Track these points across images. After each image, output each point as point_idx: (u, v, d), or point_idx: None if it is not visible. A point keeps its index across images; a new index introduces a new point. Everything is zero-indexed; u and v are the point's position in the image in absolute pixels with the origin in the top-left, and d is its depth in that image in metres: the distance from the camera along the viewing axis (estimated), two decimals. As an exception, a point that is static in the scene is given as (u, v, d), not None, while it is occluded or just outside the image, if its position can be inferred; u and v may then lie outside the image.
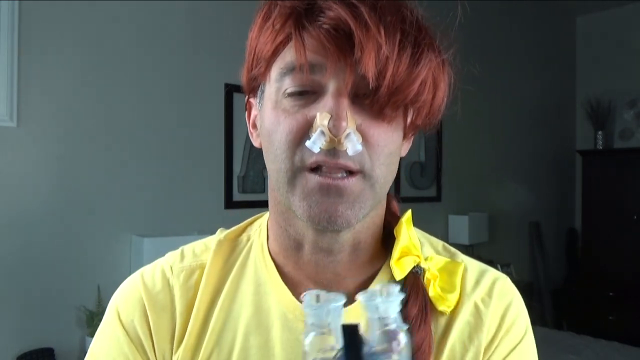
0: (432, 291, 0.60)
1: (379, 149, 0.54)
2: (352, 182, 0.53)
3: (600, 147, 4.31)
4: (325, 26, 0.51)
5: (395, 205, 0.68)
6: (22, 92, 2.06)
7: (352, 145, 0.50)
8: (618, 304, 3.95)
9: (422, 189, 3.53)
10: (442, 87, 0.56)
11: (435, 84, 0.55)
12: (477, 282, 0.63)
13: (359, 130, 0.53)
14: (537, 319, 4.07)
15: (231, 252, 0.67)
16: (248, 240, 0.68)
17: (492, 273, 0.66)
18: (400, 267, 0.59)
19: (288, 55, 0.54)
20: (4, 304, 2.03)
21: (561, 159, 4.65)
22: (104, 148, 2.27)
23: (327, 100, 0.52)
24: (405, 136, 0.60)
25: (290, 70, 0.54)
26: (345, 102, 0.51)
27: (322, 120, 0.51)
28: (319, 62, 0.52)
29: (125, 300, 0.63)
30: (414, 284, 0.58)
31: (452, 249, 0.69)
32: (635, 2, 4.27)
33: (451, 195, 3.71)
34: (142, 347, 0.61)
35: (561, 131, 4.68)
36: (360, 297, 0.35)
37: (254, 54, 0.59)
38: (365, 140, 0.53)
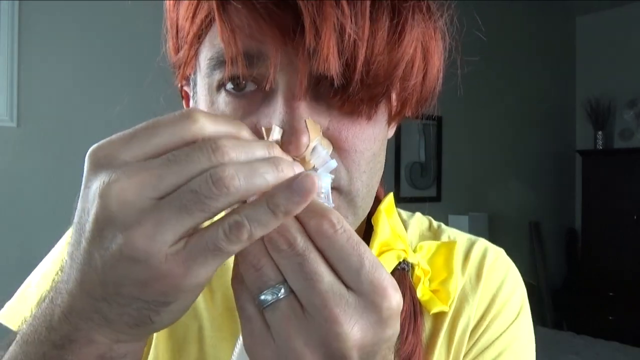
0: (422, 292, 0.51)
1: (358, 155, 0.40)
2: None
3: (600, 147, 4.30)
4: None
5: (379, 189, 0.54)
6: (22, 92, 2.06)
7: (322, 161, 0.37)
8: (618, 304, 3.95)
9: (422, 189, 3.53)
10: (435, 61, 0.41)
11: (426, 59, 0.40)
12: (466, 260, 0.56)
13: (328, 135, 0.39)
14: (537, 319, 4.07)
15: None
16: None
17: (480, 247, 0.58)
18: None
19: (217, 39, 0.38)
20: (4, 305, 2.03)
21: (561, 159, 4.64)
22: (104, 148, 2.27)
23: (278, 106, 0.37)
24: (389, 124, 0.46)
25: (221, 62, 0.39)
26: (302, 107, 0.37)
27: (274, 136, 0.37)
28: (257, 50, 0.37)
29: None
30: (399, 283, 0.47)
31: (435, 224, 0.62)
32: (635, 2, 4.26)
33: (451, 195, 3.70)
34: None
35: (561, 131, 4.67)
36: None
37: (176, 30, 0.43)
38: (338, 147, 0.39)
